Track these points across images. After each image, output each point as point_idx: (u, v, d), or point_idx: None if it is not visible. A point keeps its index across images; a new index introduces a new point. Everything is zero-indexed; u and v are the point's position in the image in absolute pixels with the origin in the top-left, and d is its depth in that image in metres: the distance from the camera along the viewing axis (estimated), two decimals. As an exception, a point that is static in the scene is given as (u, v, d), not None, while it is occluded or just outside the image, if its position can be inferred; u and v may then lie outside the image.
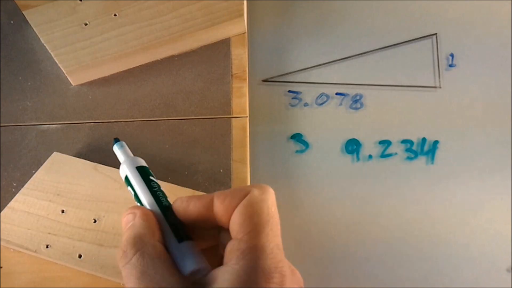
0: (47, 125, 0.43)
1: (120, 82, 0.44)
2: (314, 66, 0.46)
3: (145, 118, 0.42)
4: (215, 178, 0.40)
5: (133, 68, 0.44)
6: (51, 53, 0.43)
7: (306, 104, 0.44)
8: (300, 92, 0.45)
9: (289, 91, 0.45)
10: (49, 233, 0.36)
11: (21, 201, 0.38)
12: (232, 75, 0.43)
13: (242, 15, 0.43)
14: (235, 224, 0.26)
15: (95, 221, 0.37)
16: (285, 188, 0.42)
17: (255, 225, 0.25)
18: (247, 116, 0.42)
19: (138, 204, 0.30)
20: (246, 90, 0.43)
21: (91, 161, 0.40)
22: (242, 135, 0.41)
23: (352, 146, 0.43)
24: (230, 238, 0.26)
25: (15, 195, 0.38)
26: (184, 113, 0.42)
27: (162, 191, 0.30)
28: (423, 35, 0.46)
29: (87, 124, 0.42)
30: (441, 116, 0.44)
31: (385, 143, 0.43)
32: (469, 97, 0.44)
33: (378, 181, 0.42)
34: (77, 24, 0.43)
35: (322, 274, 0.40)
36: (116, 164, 0.39)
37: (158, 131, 0.42)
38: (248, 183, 0.39)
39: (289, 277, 0.25)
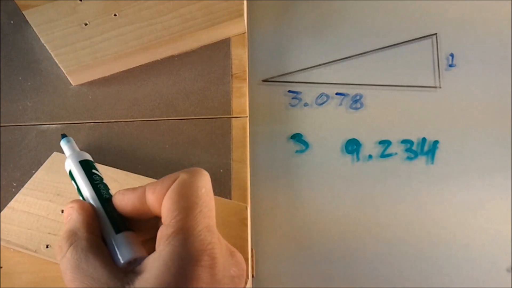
0: (47, 125, 0.43)
1: (120, 82, 0.44)
2: (314, 66, 0.46)
3: (145, 118, 0.42)
4: (215, 178, 0.40)
5: (133, 68, 0.44)
6: (51, 53, 0.43)
7: (306, 104, 0.44)
8: (300, 92, 0.45)
9: (289, 91, 0.45)
10: (49, 233, 0.36)
11: (21, 201, 0.38)
12: (232, 75, 0.43)
13: (242, 15, 0.43)
14: (165, 210, 0.25)
15: (95, 221, 0.37)
16: (285, 188, 0.42)
17: (182, 208, 0.25)
18: (247, 116, 0.42)
19: (80, 198, 0.30)
20: (246, 90, 0.43)
21: (91, 161, 0.40)
22: (242, 135, 0.41)
23: (352, 146, 0.43)
24: None
25: (15, 195, 0.38)
26: (184, 113, 0.42)
27: (104, 184, 0.30)
28: (423, 35, 0.46)
29: (87, 124, 0.42)
30: (441, 116, 0.44)
31: (385, 143, 0.43)
32: (469, 97, 0.44)
33: (378, 181, 0.42)
34: (77, 24, 0.43)
35: (322, 274, 0.40)
36: (115, 164, 0.39)
37: (158, 131, 0.42)
38: (248, 183, 0.39)
39: (221, 259, 0.25)
